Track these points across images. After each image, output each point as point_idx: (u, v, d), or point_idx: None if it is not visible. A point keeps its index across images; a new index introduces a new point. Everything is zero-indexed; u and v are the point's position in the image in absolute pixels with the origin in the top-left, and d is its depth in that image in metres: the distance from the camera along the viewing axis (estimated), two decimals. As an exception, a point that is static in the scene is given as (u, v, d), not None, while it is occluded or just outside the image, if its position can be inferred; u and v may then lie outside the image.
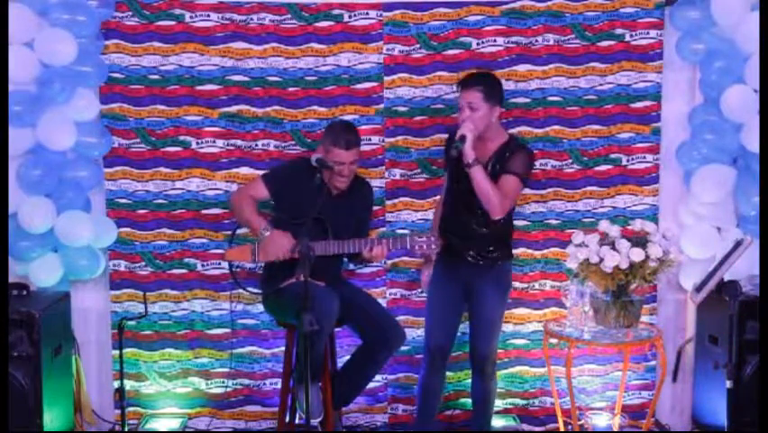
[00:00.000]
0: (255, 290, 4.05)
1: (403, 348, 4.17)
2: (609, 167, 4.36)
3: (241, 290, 4.07)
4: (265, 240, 3.88)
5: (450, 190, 3.92)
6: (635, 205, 4.37)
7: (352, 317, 3.94)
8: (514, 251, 4.22)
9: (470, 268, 3.84)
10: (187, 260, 4.38)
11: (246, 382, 4.43)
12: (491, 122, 3.77)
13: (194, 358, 4.42)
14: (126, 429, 3.95)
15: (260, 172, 4.18)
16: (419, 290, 4.34)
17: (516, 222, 4.31)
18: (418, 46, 4.29)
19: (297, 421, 4.00)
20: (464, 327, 4.06)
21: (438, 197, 4.14)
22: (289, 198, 3.93)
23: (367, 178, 4.31)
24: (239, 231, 4.12)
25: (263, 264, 4.01)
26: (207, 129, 4.32)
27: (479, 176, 3.68)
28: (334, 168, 3.81)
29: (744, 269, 3.84)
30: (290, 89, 4.30)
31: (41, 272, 4.12)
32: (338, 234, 3.84)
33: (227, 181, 4.33)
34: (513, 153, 3.76)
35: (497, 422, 4.09)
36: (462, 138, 3.69)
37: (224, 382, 4.43)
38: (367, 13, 4.28)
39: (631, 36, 4.29)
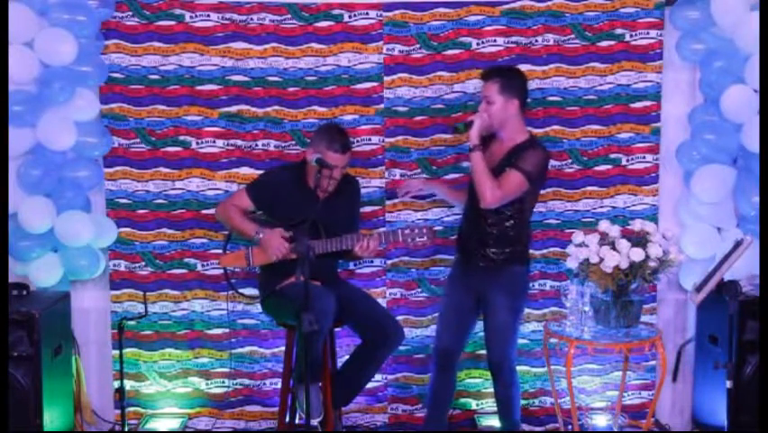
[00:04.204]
0: (252, 294, 4.08)
1: (402, 348, 4.18)
2: (609, 167, 4.36)
3: (239, 291, 4.08)
4: (260, 243, 3.89)
5: (468, 189, 3.91)
6: (634, 205, 4.37)
7: (351, 317, 3.95)
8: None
9: (481, 274, 3.82)
10: (186, 260, 4.38)
11: (246, 382, 4.44)
12: (508, 117, 3.76)
13: (194, 358, 4.43)
14: (126, 429, 3.95)
15: (260, 172, 4.20)
16: (416, 290, 4.39)
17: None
18: (418, 46, 4.29)
19: (297, 421, 4.00)
20: (478, 327, 4.06)
21: None
22: (276, 206, 3.95)
23: (367, 178, 4.32)
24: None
25: (260, 267, 4.02)
26: (207, 129, 4.32)
27: (476, 161, 3.69)
28: (332, 167, 3.82)
29: (744, 269, 3.84)
30: (290, 89, 4.30)
31: (41, 272, 4.12)
32: (329, 233, 3.85)
33: (227, 181, 4.33)
34: (524, 151, 3.74)
35: (495, 422, 4.09)
36: (469, 123, 3.73)
37: (224, 382, 4.43)
38: (367, 13, 4.28)
39: (631, 36, 4.29)
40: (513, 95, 3.75)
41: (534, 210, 4.33)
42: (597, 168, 4.36)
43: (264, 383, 4.44)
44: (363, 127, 4.32)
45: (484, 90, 3.78)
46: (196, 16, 4.26)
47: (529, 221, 3.93)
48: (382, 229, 4.13)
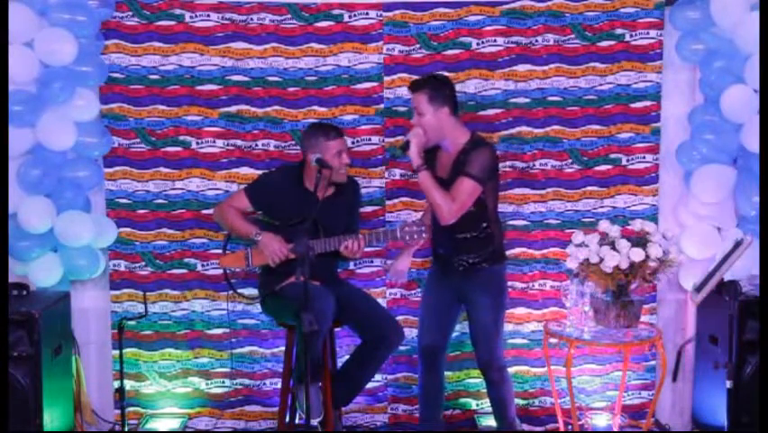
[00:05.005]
0: (252, 295, 4.08)
1: (402, 348, 4.18)
2: (609, 167, 4.36)
3: (238, 291, 4.08)
4: (258, 245, 3.89)
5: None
6: (634, 205, 4.36)
7: (351, 317, 3.95)
8: (513, 251, 4.24)
9: (460, 275, 3.82)
10: (187, 260, 4.38)
11: (246, 382, 4.44)
12: (443, 125, 3.73)
13: (194, 358, 4.43)
14: (126, 429, 3.95)
15: (260, 172, 4.21)
16: (416, 290, 4.36)
17: (515, 222, 4.32)
18: (418, 46, 4.29)
19: (297, 421, 4.00)
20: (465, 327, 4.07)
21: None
22: (275, 207, 3.95)
23: (367, 178, 4.32)
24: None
25: (260, 267, 4.02)
26: (207, 129, 4.32)
27: (425, 182, 3.66)
28: (332, 166, 3.81)
29: (744, 269, 3.85)
30: (290, 89, 4.30)
31: (41, 272, 4.12)
32: (329, 234, 3.85)
33: (227, 181, 4.33)
34: (469, 154, 3.69)
35: (495, 423, 4.08)
36: (406, 144, 3.69)
37: (224, 382, 4.43)
38: (367, 13, 4.28)
39: (631, 36, 4.29)
40: (441, 103, 3.71)
41: (534, 210, 4.35)
42: (597, 168, 4.36)
43: (264, 383, 4.44)
44: (363, 127, 4.32)
45: (413, 101, 3.75)
46: (196, 16, 4.26)
47: (498, 219, 3.90)
48: (381, 229, 4.12)
